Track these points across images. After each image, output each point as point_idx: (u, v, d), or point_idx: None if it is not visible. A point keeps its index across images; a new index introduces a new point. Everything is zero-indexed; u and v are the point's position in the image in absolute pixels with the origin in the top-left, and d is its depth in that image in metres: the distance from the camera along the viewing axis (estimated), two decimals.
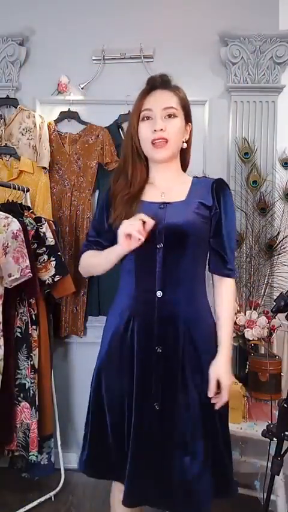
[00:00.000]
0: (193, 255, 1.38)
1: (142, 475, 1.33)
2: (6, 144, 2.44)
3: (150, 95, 1.42)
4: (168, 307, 1.36)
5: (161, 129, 1.38)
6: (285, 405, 1.29)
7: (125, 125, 2.53)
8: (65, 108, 2.54)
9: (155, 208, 1.40)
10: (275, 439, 1.30)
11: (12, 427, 2.08)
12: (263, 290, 2.35)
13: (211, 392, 1.33)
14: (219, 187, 1.43)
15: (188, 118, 1.46)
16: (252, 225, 2.36)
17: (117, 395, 1.38)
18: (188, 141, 1.49)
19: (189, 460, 1.33)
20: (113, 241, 1.40)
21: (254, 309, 2.23)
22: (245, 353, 2.22)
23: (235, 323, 2.18)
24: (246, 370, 2.12)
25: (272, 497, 1.68)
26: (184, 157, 1.52)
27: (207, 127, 2.56)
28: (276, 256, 2.34)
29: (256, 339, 2.14)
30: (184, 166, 1.53)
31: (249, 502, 1.98)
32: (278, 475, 1.30)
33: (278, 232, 2.34)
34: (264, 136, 2.50)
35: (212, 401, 1.35)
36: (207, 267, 1.46)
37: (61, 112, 2.54)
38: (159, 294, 1.35)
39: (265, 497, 1.35)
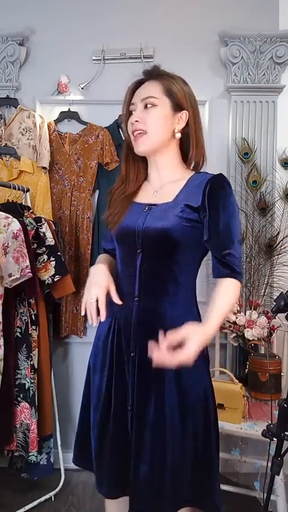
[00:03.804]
0: (177, 261, 1.29)
1: (109, 469, 1.33)
2: (6, 144, 2.45)
3: (139, 88, 1.37)
4: (147, 313, 1.30)
5: (136, 120, 1.31)
6: (285, 405, 1.29)
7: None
8: (65, 108, 2.55)
9: (141, 210, 1.34)
10: (275, 439, 1.30)
11: (12, 427, 2.08)
12: (263, 290, 2.35)
13: (163, 342, 1.11)
14: (214, 185, 1.28)
15: (179, 106, 1.33)
16: (252, 225, 2.36)
17: (98, 395, 1.38)
18: (185, 131, 1.35)
19: (157, 466, 1.27)
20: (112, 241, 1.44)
21: (254, 309, 2.23)
22: (245, 353, 2.22)
23: (235, 323, 2.19)
24: (246, 370, 2.12)
25: (272, 497, 1.67)
26: (185, 149, 1.38)
27: (207, 127, 2.56)
28: (276, 256, 2.34)
29: (256, 339, 2.14)
30: (188, 159, 1.39)
31: (249, 502, 1.98)
32: (278, 475, 1.30)
33: (278, 232, 2.34)
34: (264, 136, 2.50)
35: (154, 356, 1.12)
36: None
37: (61, 112, 2.54)
38: (137, 299, 1.31)
39: (265, 497, 1.35)
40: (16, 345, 2.09)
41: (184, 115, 1.34)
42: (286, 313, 1.37)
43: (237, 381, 2.01)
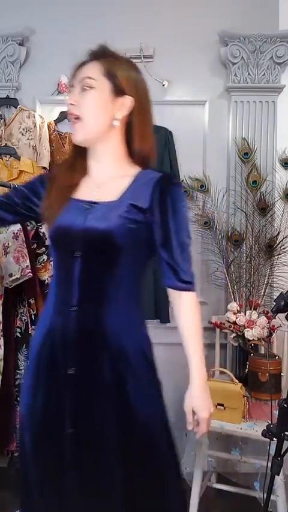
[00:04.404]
0: (120, 265, 1.15)
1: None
2: (6, 144, 2.44)
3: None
4: (86, 324, 1.15)
5: (71, 104, 1.17)
6: (285, 405, 1.29)
7: None
8: (65, 108, 2.52)
9: (80, 208, 1.18)
10: (275, 439, 1.30)
11: (12, 427, 2.08)
12: (263, 290, 2.35)
13: (189, 425, 1.17)
14: (164, 186, 1.16)
15: (121, 90, 1.16)
16: (252, 225, 2.36)
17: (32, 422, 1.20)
18: (128, 119, 1.19)
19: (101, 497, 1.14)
20: (23, 208, 1.27)
21: (254, 309, 2.23)
22: (245, 353, 2.22)
23: (235, 323, 2.19)
24: (246, 370, 2.12)
25: (272, 497, 1.67)
26: (130, 141, 1.21)
27: (207, 127, 2.57)
28: (276, 256, 2.34)
29: (256, 339, 2.14)
30: (134, 153, 1.22)
31: (249, 502, 1.98)
32: (278, 475, 1.30)
33: (278, 232, 2.34)
34: (264, 136, 2.50)
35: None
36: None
37: (61, 112, 2.54)
38: (75, 308, 1.15)
39: (265, 497, 1.35)
40: (16, 345, 2.09)
41: (127, 101, 1.17)
42: (286, 313, 1.37)
43: (237, 381, 2.01)
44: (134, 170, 1.20)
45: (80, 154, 1.24)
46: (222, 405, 1.95)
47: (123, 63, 1.20)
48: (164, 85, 2.50)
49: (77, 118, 1.17)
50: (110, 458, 1.13)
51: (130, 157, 1.23)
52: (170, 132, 2.51)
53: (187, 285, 1.18)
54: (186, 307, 1.19)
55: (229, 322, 2.22)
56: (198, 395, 1.16)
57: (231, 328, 2.22)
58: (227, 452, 2.04)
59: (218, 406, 1.95)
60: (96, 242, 1.14)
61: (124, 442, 1.14)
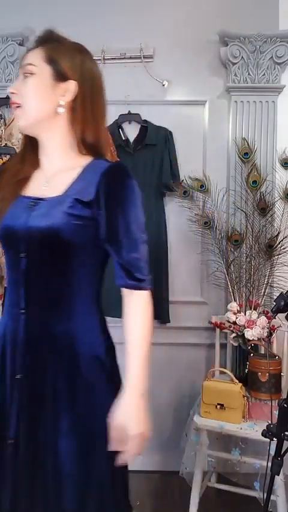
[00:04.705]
0: (70, 266, 1.08)
1: None
2: (6, 144, 2.44)
3: None
4: (34, 328, 1.09)
5: (12, 92, 1.12)
6: (285, 405, 1.29)
7: (125, 125, 2.54)
8: None
9: (25, 205, 1.11)
10: (275, 439, 1.30)
11: None
12: (263, 290, 2.35)
13: (112, 445, 1.02)
14: (110, 176, 1.08)
15: (63, 75, 1.10)
16: (252, 225, 2.36)
17: None
18: (72, 105, 1.11)
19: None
20: None
21: (254, 309, 2.23)
22: (245, 353, 2.22)
23: (235, 323, 2.19)
24: (246, 370, 2.12)
25: (272, 497, 1.67)
26: (75, 129, 1.12)
27: (207, 127, 2.57)
28: (276, 256, 2.34)
29: (256, 339, 2.14)
30: (81, 141, 1.13)
31: (249, 502, 1.98)
32: (278, 475, 1.30)
33: (278, 232, 2.34)
34: (264, 136, 2.50)
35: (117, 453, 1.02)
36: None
37: None
38: (23, 311, 1.09)
39: (265, 497, 1.35)
40: None
41: (71, 86, 1.10)
42: (286, 313, 1.37)
43: (237, 381, 2.01)
44: (84, 161, 1.12)
45: (32, 146, 1.18)
46: (222, 405, 1.95)
47: (68, 47, 1.14)
48: (164, 85, 2.50)
49: (19, 106, 1.12)
50: (48, 474, 1.05)
51: (83, 147, 1.14)
52: (170, 132, 2.51)
53: (138, 282, 1.08)
54: (134, 307, 1.09)
55: (229, 322, 2.22)
56: (127, 409, 1.02)
57: (231, 328, 2.22)
58: (227, 452, 2.04)
59: (218, 406, 1.96)
60: (39, 242, 1.07)
61: (68, 456, 1.04)
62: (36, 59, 1.11)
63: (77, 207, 1.06)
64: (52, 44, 1.13)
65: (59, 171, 1.13)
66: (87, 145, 1.13)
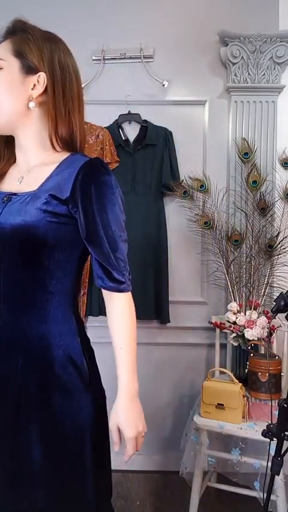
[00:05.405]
0: (45, 265, 1.03)
1: None
2: None
3: None
4: (7, 331, 1.05)
5: None
6: (285, 405, 1.29)
7: (125, 125, 2.54)
8: None
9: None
10: (275, 439, 1.30)
11: None
12: (263, 290, 2.35)
13: (114, 446, 1.06)
14: (88, 173, 1.02)
15: (32, 68, 1.05)
16: (252, 225, 2.36)
17: None
18: (43, 98, 1.06)
19: None
20: None
21: (254, 309, 2.23)
22: (245, 353, 2.23)
23: (235, 323, 2.19)
24: (246, 370, 2.12)
25: (272, 497, 1.67)
26: (48, 123, 1.07)
27: (207, 127, 2.57)
28: (276, 256, 2.34)
29: (256, 339, 2.14)
30: (54, 136, 1.08)
31: (249, 502, 1.98)
32: (278, 475, 1.30)
33: (278, 232, 2.34)
34: (264, 136, 2.50)
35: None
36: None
37: None
38: None
39: (265, 497, 1.35)
40: None
41: (41, 78, 1.05)
42: (286, 313, 1.37)
43: (237, 381, 2.01)
44: (60, 156, 1.08)
45: (7, 142, 1.14)
46: (222, 405, 1.95)
47: (36, 37, 1.08)
48: (164, 85, 2.50)
49: None
50: (25, 484, 1.02)
51: (58, 142, 1.09)
52: (170, 132, 2.51)
53: (118, 285, 1.04)
54: (116, 311, 1.06)
55: (229, 322, 2.22)
56: (124, 412, 1.04)
57: (231, 328, 2.22)
58: (227, 452, 2.03)
59: (218, 406, 1.96)
60: (10, 239, 1.02)
61: (44, 461, 1.02)
62: (4, 53, 1.06)
63: (52, 203, 1.01)
64: (20, 36, 1.07)
65: (34, 167, 1.09)
66: (62, 140, 1.09)
